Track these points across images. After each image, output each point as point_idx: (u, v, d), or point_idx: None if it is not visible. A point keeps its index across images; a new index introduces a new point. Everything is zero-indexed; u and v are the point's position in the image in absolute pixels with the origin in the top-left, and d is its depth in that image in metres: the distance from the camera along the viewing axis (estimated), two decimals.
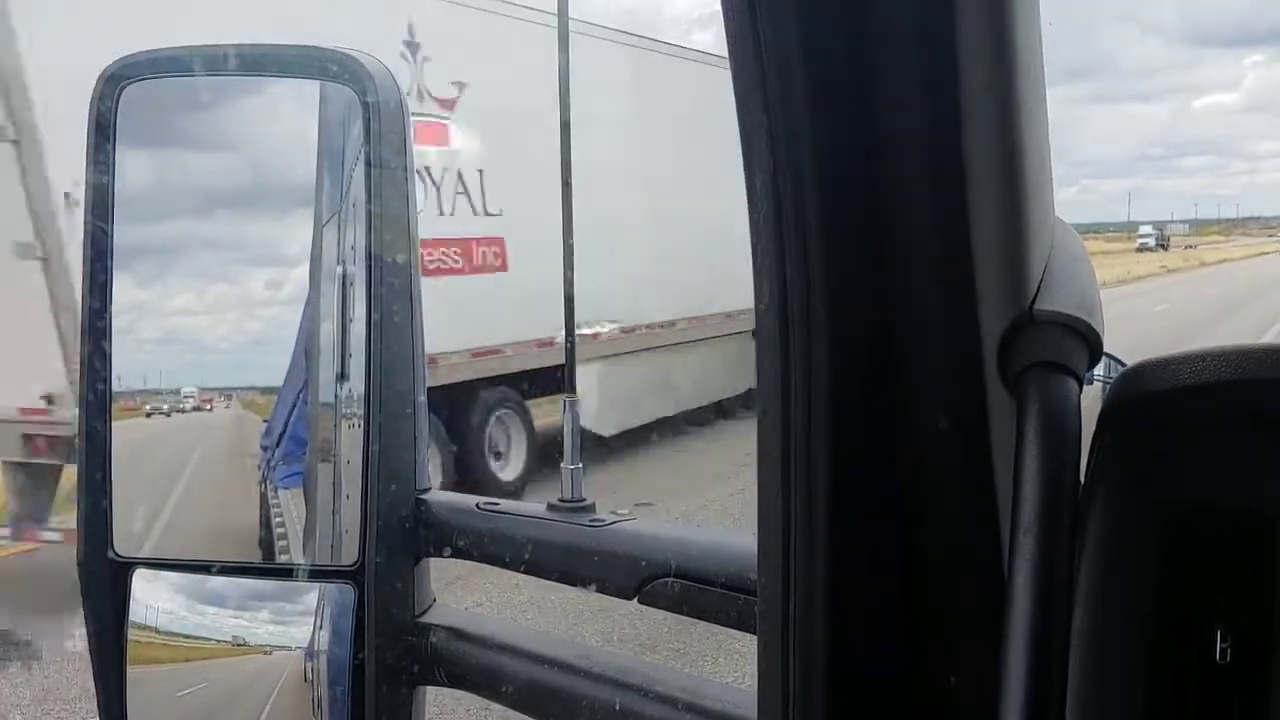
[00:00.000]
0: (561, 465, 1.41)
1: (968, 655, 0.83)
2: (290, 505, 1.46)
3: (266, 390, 1.48)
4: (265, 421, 1.47)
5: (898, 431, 0.82)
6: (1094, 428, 0.83)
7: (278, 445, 1.46)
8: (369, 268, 1.35)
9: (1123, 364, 0.94)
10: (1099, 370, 0.91)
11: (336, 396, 1.39)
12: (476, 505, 1.40)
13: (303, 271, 1.43)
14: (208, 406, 1.50)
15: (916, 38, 0.75)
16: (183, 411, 1.50)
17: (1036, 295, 0.82)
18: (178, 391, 1.51)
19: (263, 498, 1.47)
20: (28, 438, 9.29)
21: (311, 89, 1.40)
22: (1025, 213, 0.81)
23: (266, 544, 1.46)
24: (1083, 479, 0.82)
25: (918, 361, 0.82)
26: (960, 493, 0.84)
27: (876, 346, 0.81)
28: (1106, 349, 0.86)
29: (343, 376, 1.38)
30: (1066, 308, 0.81)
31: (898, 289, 0.80)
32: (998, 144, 0.78)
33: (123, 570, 1.42)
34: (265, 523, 1.46)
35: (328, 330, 1.39)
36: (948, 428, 0.83)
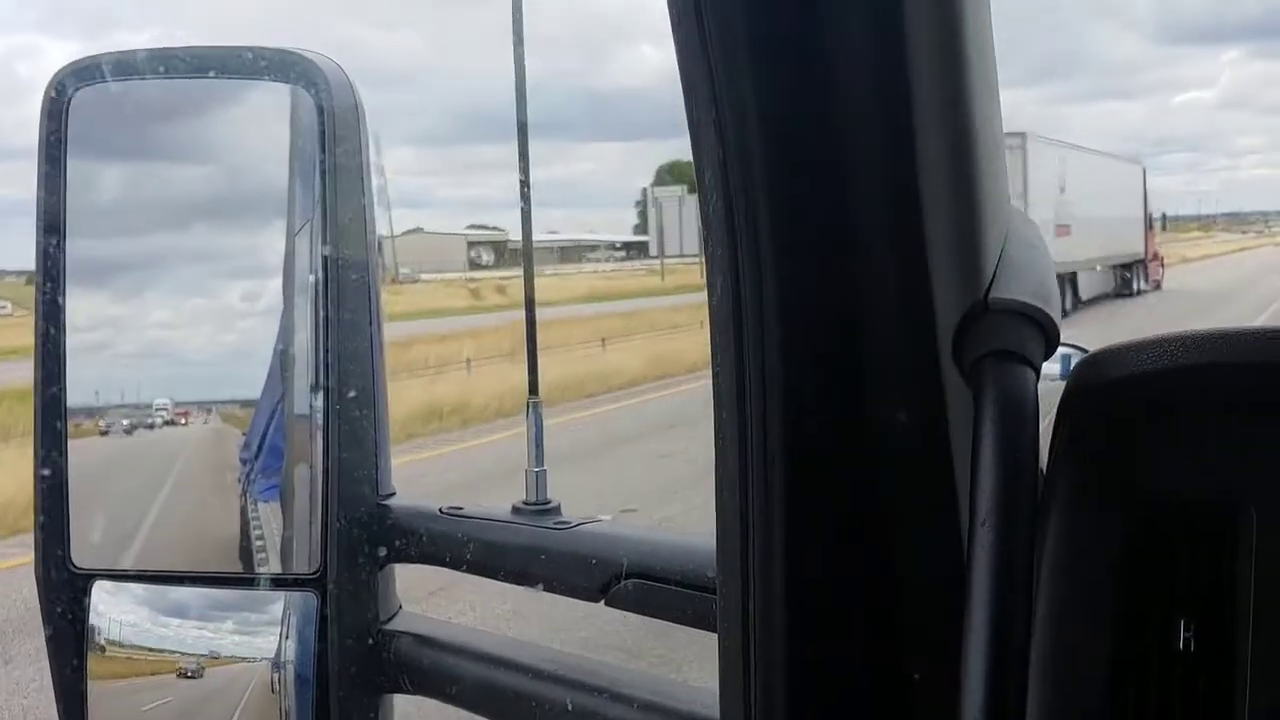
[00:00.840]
0: (524, 468, 1.39)
1: (929, 649, 0.82)
2: (269, 517, 1.44)
3: (246, 403, 1.46)
4: (244, 435, 1.45)
5: (854, 423, 0.81)
6: (1052, 417, 0.82)
7: (256, 458, 1.45)
8: (324, 271, 1.33)
9: (1084, 351, 0.93)
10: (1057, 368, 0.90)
11: (311, 407, 1.37)
12: (440, 509, 1.39)
13: (279, 282, 1.42)
14: (183, 420, 1.48)
15: (864, 25, 0.74)
16: (150, 427, 1.48)
17: (992, 284, 0.81)
18: (149, 406, 1.48)
19: (243, 510, 1.45)
20: None
21: (283, 92, 1.38)
22: (979, 201, 0.80)
23: (246, 556, 1.44)
24: (1043, 469, 0.81)
25: (873, 352, 0.81)
26: (919, 485, 0.83)
27: (831, 337, 0.80)
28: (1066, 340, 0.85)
29: (317, 386, 1.36)
30: (1022, 296, 0.81)
31: (851, 279, 0.79)
32: (949, 132, 0.77)
33: (83, 582, 1.40)
34: (245, 535, 1.44)
35: (301, 340, 1.38)
36: (905, 419, 0.82)
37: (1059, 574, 0.80)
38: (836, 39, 0.74)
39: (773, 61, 0.75)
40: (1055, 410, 0.82)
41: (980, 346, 0.79)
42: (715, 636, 1.03)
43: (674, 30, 0.77)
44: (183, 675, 1.41)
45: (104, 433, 1.48)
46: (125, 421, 1.48)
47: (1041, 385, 0.81)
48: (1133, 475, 0.81)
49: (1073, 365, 0.86)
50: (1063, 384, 0.84)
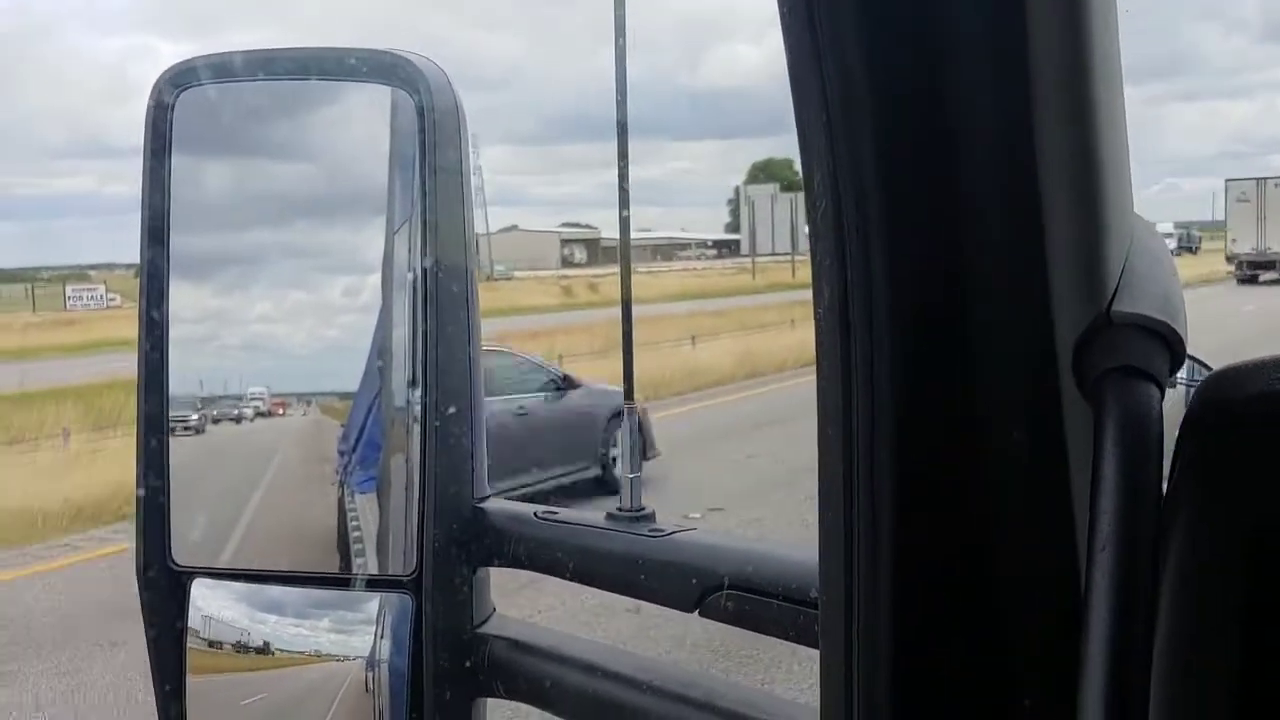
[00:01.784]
0: (619, 474, 1.38)
1: (1042, 677, 0.79)
2: (366, 510, 1.45)
3: (344, 396, 1.48)
4: (343, 426, 1.46)
5: (966, 442, 0.78)
6: (1176, 435, 0.78)
7: (354, 450, 1.46)
8: (424, 273, 1.34)
9: (1209, 368, 0.89)
10: (1183, 375, 0.86)
11: (409, 402, 1.38)
12: (535, 514, 1.38)
13: (379, 279, 1.43)
14: (280, 411, 1.50)
15: (984, 27, 0.71)
16: (243, 419, 1.49)
17: (1114, 296, 0.78)
18: (239, 398, 1.50)
19: (340, 503, 1.46)
20: None
21: (384, 93, 1.39)
22: (1102, 210, 0.77)
23: (344, 549, 1.46)
24: (1165, 490, 0.77)
25: (988, 367, 0.78)
26: (1034, 505, 0.80)
27: (943, 352, 0.77)
28: (1191, 351, 0.81)
29: (414, 382, 1.37)
30: (1146, 309, 0.77)
31: (965, 290, 0.76)
32: (1072, 139, 0.74)
33: (182, 580, 1.42)
34: (342, 527, 1.46)
35: (399, 336, 1.39)
36: (1020, 437, 0.78)
37: (1182, 602, 0.77)
38: (955, 41, 0.72)
39: (886, 63, 0.73)
40: (1179, 429, 0.79)
41: (1102, 362, 0.76)
42: (806, 648, 1.01)
43: (784, 32, 0.75)
44: (287, 669, 1.42)
45: (199, 430, 1.51)
46: (231, 412, 1.50)
47: (1165, 403, 0.77)
48: (1261, 498, 0.77)
49: (1198, 382, 0.82)
50: (1185, 397, 0.81)
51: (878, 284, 0.76)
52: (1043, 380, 0.77)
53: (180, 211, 1.42)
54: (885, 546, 0.78)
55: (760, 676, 6.92)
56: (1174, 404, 0.80)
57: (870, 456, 0.77)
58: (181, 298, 1.44)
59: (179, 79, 1.40)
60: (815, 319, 0.79)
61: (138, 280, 1.45)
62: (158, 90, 1.40)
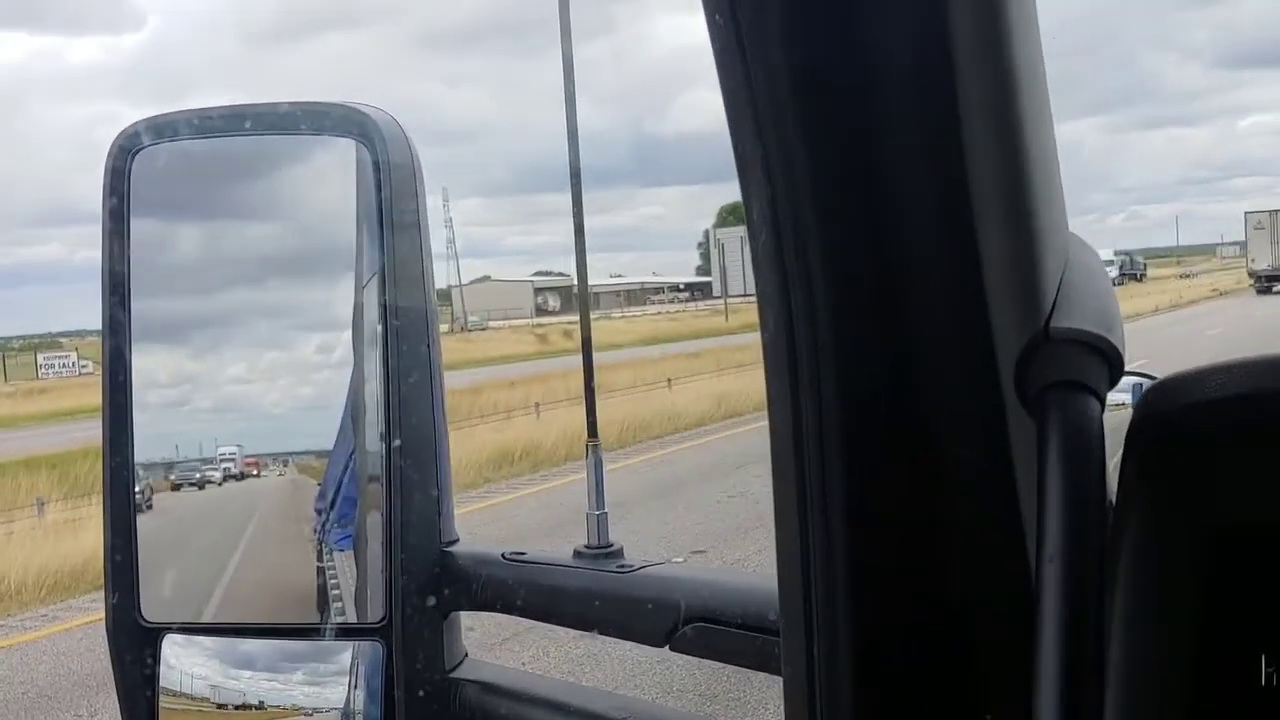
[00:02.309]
0: (586, 511, 1.39)
1: (999, 690, 0.80)
2: (344, 567, 1.44)
3: (321, 454, 1.47)
4: (320, 485, 1.46)
5: (915, 460, 0.80)
6: (1121, 447, 0.80)
7: (331, 508, 1.46)
8: (385, 323, 1.34)
9: (1151, 378, 0.90)
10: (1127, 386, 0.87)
11: (385, 459, 1.38)
12: (502, 555, 1.39)
13: (349, 334, 1.43)
14: (255, 472, 1.49)
15: (910, 55, 0.73)
16: (206, 485, 1.49)
17: (1052, 313, 0.79)
18: (209, 460, 1.50)
19: (319, 560, 1.46)
20: None
21: (348, 148, 1.40)
22: (1036, 228, 0.79)
23: (323, 607, 1.45)
24: (1112, 500, 0.79)
25: (932, 387, 0.79)
26: (984, 521, 0.81)
27: (887, 373, 0.79)
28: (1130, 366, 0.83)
29: (387, 435, 1.37)
30: (1084, 324, 0.79)
31: (906, 313, 0.78)
32: (1002, 160, 0.76)
33: (152, 636, 1.41)
34: (322, 585, 1.45)
35: (372, 390, 1.39)
36: (967, 453, 0.80)
37: (1132, 609, 0.78)
38: (883, 72, 0.74)
39: (817, 94, 0.74)
40: (1124, 440, 0.80)
41: (1043, 377, 0.77)
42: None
43: (718, 69, 0.76)
44: None
45: (176, 487, 1.50)
46: (193, 476, 1.50)
47: (1108, 415, 0.79)
48: (1208, 505, 0.78)
49: (1140, 393, 0.83)
50: (1129, 413, 0.82)
51: (820, 309, 0.77)
52: (986, 397, 0.79)
53: (146, 274, 1.42)
54: (840, 566, 0.79)
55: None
56: (1119, 418, 0.81)
57: (822, 478, 0.79)
58: (152, 361, 1.44)
59: (134, 140, 1.41)
60: (762, 346, 0.81)
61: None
62: (113, 153, 1.40)
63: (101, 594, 1.41)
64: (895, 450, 0.80)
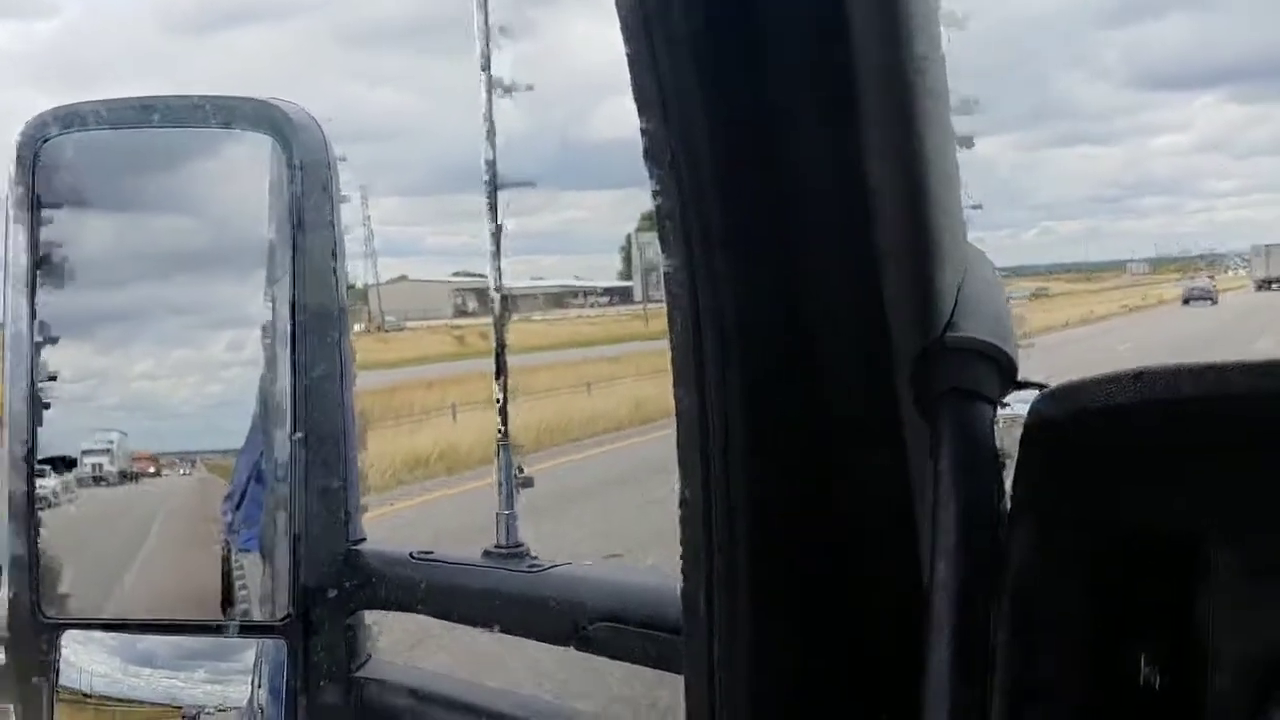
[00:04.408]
0: (495, 511, 1.39)
1: (895, 688, 0.82)
2: (249, 566, 1.43)
3: (229, 452, 1.46)
4: (228, 485, 1.44)
5: (815, 461, 0.82)
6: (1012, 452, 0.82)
7: (238, 508, 1.44)
8: (292, 322, 1.34)
9: (1043, 387, 0.93)
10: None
11: (291, 456, 1.37)
12: (410, 554, 1.38)
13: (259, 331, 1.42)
14: (151, 470, 1.47)
15: (812, 70, 0.75)
16: (98, 482, 1.45)
17: (949, 322, 0.81)
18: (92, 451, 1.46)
19: (224, 560, 1.44)
20: None
21: (263, 143, 1.39)
22: (934, 240, 0.81)
23: (229, 606, 1.44)
24: (1004, 503, 0.81)
25: (832, 391, 0.81)
26: (880, 521, 0.83)
27: (789, 376, 0.81)
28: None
29: (294, 434, 1.36)
30: (979, 333, 0.81)
31: (808, 318, 0.80)
32: (901, 172, 0.78)
33: (52, 632, 1.39)
34: (228, 585, 1.44)
35: (282, 388, 1.38)
36: (865, 456, 0.82)
37: (1020, 608, 0.80)
38: (787, 86, 0.75)
39: (725, 109, 0.76)
40: (1017, 445, 0.82)
41: (938, 383, 0.79)
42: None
43: (633, 84, 0.78)
44: None
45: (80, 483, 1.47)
46: (100, 469, 1.47)
47: (1001, 422, 0.81)
48: (1095, 509, 0.81)
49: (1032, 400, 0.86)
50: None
51: (726, 313, 0.79)
52: (884, 401, 0.81)
53: (52, 266, 1.40)
54: (742, 568, 0.81)
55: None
56: (1013, 423, 0.84)
57: (725, 478, 0.80)
58: (57, 355, 1.42)
59: (42, 130, 1.39)
60: (670, 346, 0.82)
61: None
62: (21, 141, 1.38)
63: None
64: (796, 451, 0.82)
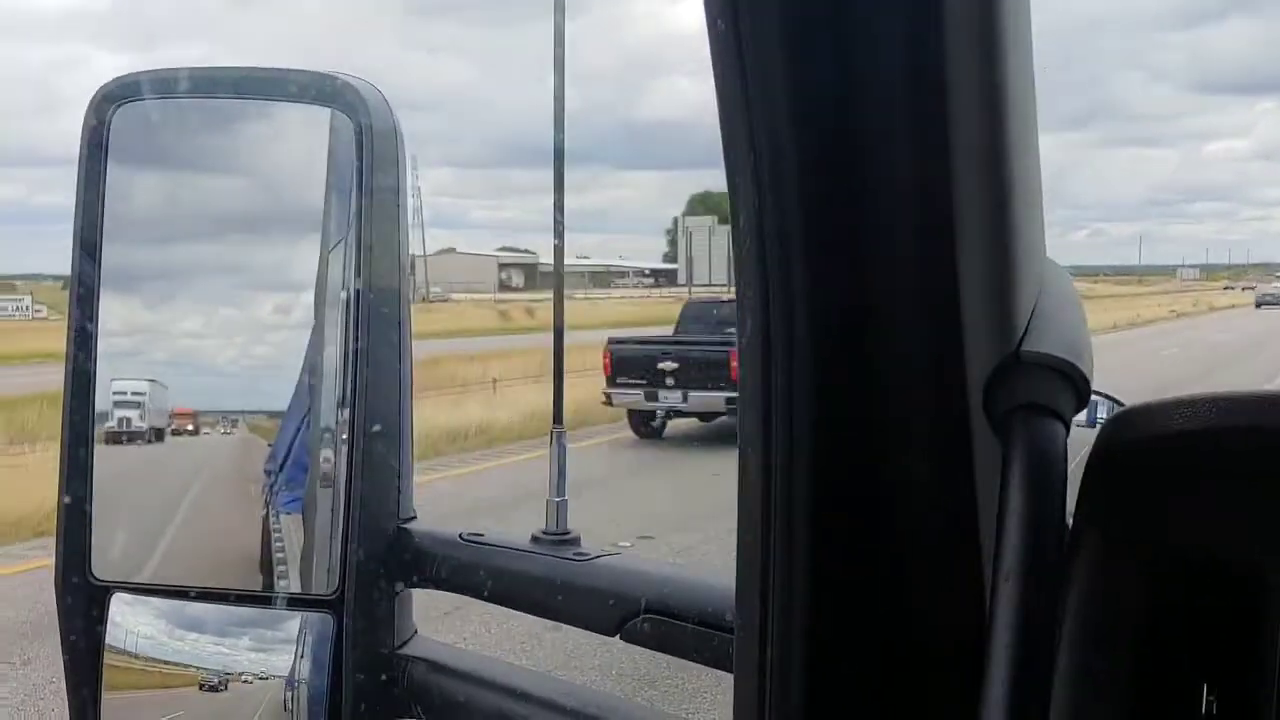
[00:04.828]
0: (546, 498, 1.39)
1: (949, 703, 0.81)
2: (291, 531, 1.44)
3: (273, 414, 1.47)
4: (270, 446, 1.45)
5: (880, 473, 0.81)
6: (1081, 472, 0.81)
7: (281, 470, 1.45)
8: (356, 294, 1.34)
9: (1120, 404, 0.92)
10: (1103, 412, 0.89)
11: (337, 422, 1.38)
12: (459, 535, 1.39)
13: (311, 297, 1.43)
14: (189, 428, 1.48)
15: (904, 75, 0.74)
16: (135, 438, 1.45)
17: (1024, 336, 0.80)
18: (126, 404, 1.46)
19: (265, 522, 1.45)
20: None
21: (322, 114, 1.40)
22: (1013, 253, 0.80)
23: (267, 569, 1.45)
24: (1071, 524, 0.80)
25: (901, 402, 0.80)
26: (943, 536, 0.82)
27: (859, 385, 0.80)
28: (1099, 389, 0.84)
29: (344, 403, 1.37)
30: (1054, 349, 0.80)
31: (881, 328, 0.79)
32: (987, 186, 0.77)
33: (101, 594, 1.41)
34: (266, 548, 1.45)
35: (331, 355, 1.38)
36: (932, 469, 0.81)
37: (1082, 632, 0.79)
38: (875, 92, 0.74)
39: (810, 113, 0.75)
40: (1084, 465, 0.81)
41: (1011, 399, 0.78)
42: (729, 676, 1.02)
43: (715, 76, 0.77)
44: (204, 688, 1.40)
45: (125, 439, 1.48)
46: (128, 424, 1.48)
47: (1071, 439, 0.80)
48: (1161, 535, 0.80)
49: (1104, 420, 0.85)
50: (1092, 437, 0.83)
51: (798, 319, 0.78)
52: (954, 415, 0.80)
53: (112, 224, 1.42)
54: (800, 573, 0.80)
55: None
56: (1082, 442, 0.83)
57: (788, 484, 0.79)
58: (110, 310, 1.43)
59: (117, 93, 1.40)
60: (738, 349, 0.81)
61: (67, 291, 1.44)
62: (95, 103, 1.39)
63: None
64: (861, 462, 0.81)
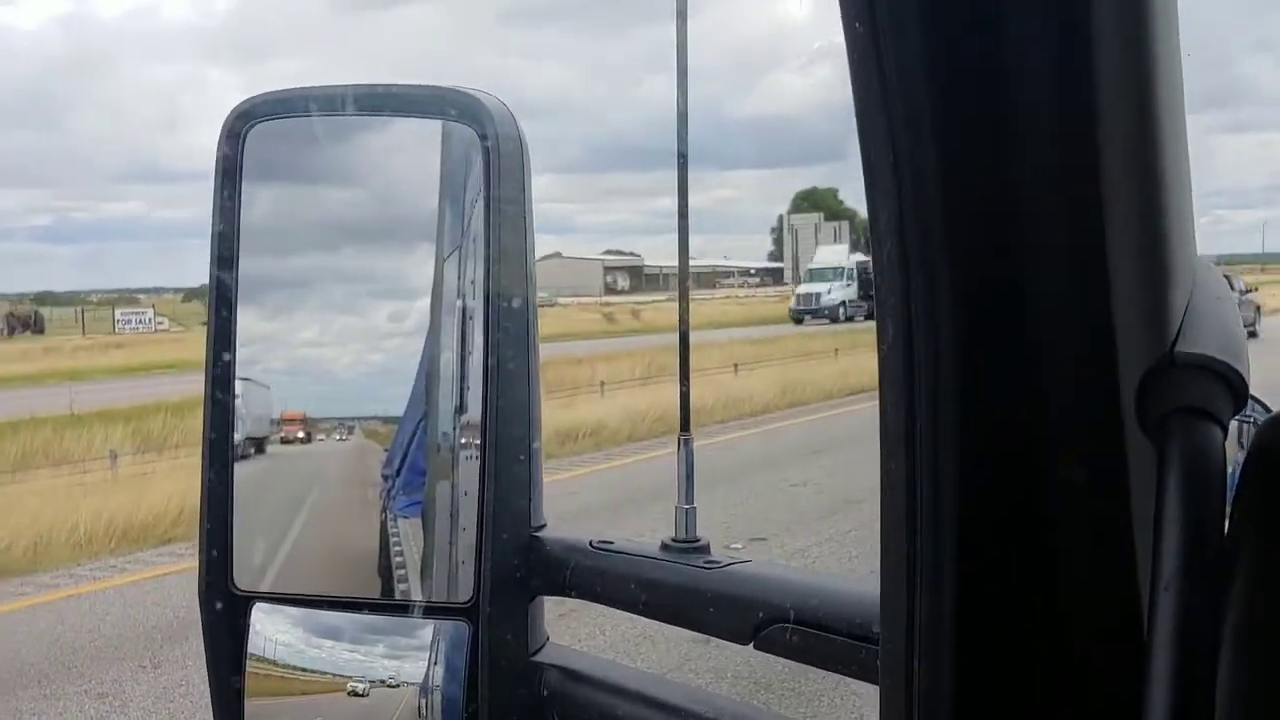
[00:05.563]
0: (675, 505, 1.39)
1: (1104, 718, 0.79)
2: (409, 535, 1.46)
3: (388, 420, 1.49)
4: (386, 451, 1.48)
5: (1030, 480, 0.79)
6: (1238, 476, 0.78)
7: (398, 474, 1.47)
8: (486, 310, 1.36)
9: (1269, 409, 0.88)
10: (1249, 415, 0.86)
11: (455, 428, 1.39)
12: (590, 543, 1.39)
13: (425, 304, 1.45)
14: (299, 435, 1.51)
15: (1050, 75, 0.72)
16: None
17: (1178, 337, 0.78)
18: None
19: (383, 526, 1.48)
20: None
21: (434, 126, 1.42)
22: (1167, 251, 0.78)
23: (385, 574, 1.47)
24: (1227, 530, 0.77)
25: (1052, 405, 0.78)
26: (1096, 543, 0.80)
27: (1007, 389, 0.78)
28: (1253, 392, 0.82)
29: (461, 408, 1.38)
30: (1210, 350, 0.77)
31: (1030, 330, 0.77)
32: (1136, 178, 0.75)
33: (243, 604, 1.44)
34: (385, 552, 1.47)
35: (447, 361, 1.41)
36: (1083, 474, 0.79)
37: (1245, 641, 0.77)
38: (1021, 87, 0.73)
39: (952, 109, 0.74)
40: (1239, 469, 0.79)
41: (1166, 402, 0.76)
42: (858, 683, 1.01)
43: (853, 77, 0.76)
44: (352, 694, 1.43)
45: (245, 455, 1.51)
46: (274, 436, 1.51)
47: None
48: None
49: (1259, 423, 0.82)
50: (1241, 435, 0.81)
51: (942, 322, 0.76)
52: (1106, 418, 0.78)
53: (248, 242, 1.45)
54: (948, 582, 0.79)
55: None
56: (1233, 442, 0.80)
57: (934, 493, 0.78)
58: (241, 321, 1.47)
59: (251, 113, 1.44)
60: (879, 354, 0.80)
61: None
62: (230, 122, 1.43)
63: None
64: (1010, 468, 0.79)
